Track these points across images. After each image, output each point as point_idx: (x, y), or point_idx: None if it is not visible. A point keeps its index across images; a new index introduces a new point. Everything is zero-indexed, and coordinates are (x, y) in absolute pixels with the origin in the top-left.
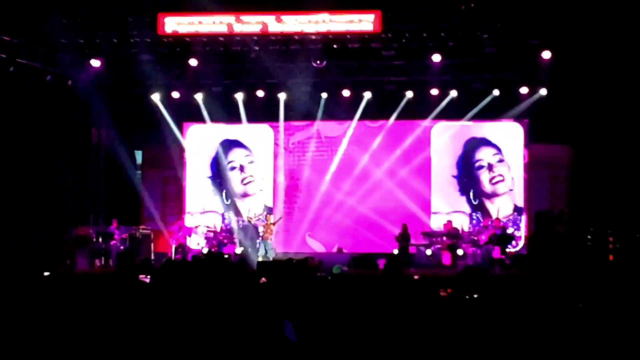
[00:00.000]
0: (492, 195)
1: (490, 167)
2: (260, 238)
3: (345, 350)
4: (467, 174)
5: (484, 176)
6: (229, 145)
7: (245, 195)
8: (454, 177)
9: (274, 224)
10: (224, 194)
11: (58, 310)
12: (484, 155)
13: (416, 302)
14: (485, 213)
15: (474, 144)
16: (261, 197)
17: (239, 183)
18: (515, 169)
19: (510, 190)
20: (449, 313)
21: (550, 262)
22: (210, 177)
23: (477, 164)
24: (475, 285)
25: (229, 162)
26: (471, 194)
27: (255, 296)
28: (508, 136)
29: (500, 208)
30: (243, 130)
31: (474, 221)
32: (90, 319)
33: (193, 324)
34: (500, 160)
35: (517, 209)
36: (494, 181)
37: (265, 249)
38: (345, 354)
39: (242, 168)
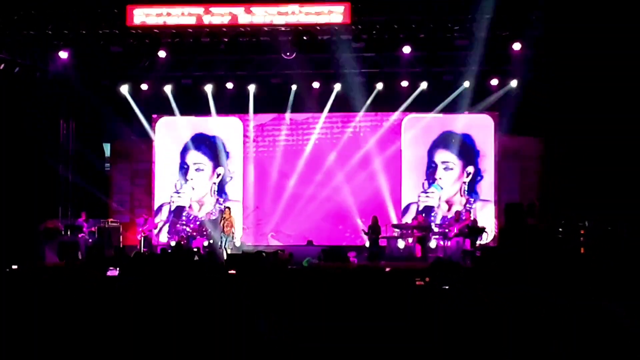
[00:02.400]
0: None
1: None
2: (224, 232)
3: (322, 341)
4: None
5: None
6: (199, 143)
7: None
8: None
9: (224, 219)
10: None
11: (27, 304)
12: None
13: (392, 293)
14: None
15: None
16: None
17: (204, 183)
18: (486, 160)
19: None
20: (424, 302)
21: (520, 255)
22: (179, 166)
23: (444, 165)
24: (446, 277)
25: (196, 164)
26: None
27: (225, 288)
28: (478, 128)
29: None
30: (213, 124)
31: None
32: (59, 312)
33: (163, 315)
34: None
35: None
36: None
37: (226, 242)
38: (322, 346)
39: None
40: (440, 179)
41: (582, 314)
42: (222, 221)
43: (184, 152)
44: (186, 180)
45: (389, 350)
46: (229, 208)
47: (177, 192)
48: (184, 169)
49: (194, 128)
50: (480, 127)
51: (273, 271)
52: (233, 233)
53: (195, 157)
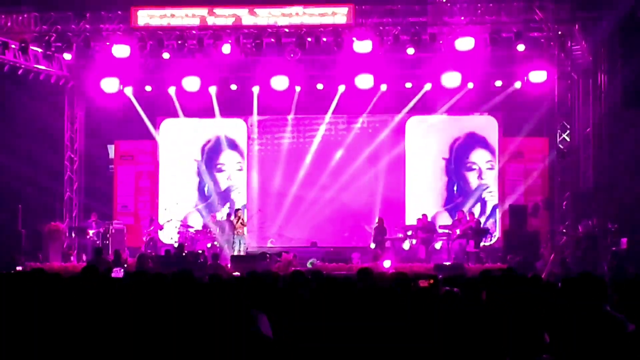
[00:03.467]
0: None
1: (480, 173)
2: (235, 234)
3: (326, 343)
4: (455, 169)
5: (472, 177)
6: (221, 144)
7: (225, 198)
8: (444, 159)
9: (239, 219)
10: (206, 188)
11: (30, 306)
12: (477, 158)
13: (394, 295)
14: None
15: (469, 143)
16: (238, 197)
17: (223, 185)
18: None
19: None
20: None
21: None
22: (198, 162)
23: (468, 165)
24: (451, 278)
25: (218, 164)
26: (455, 188)
27: (228, 290)
28: (483, 129)
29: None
30: (224, 126)
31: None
32: (64, 314)
33: (165, 318)
34: (490, 168)
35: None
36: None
37: (240, 243)
38: (326, 348)
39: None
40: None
41: (582, 314)
42: (237, 221)
43: (212, 153)
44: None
45: (389, 351)
46: (240, 210)
47: (182, 193)
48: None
49: (200, 130)
50: (484, 128)
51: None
52: (244, 234)
53: (220, 158)
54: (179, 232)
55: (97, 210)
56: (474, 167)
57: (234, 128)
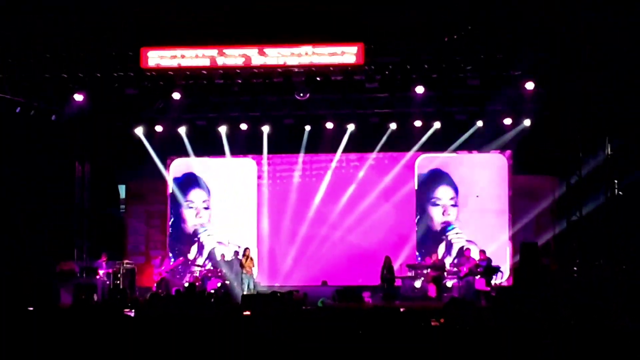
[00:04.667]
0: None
1: (444, 209)
2: (242, 273)
3: None
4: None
5: (436, 212)
6: (189, 182)
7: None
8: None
9: (248, 258)
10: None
11: (42, 345)
12: (442, 194)
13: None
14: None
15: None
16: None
17: (191, 221)
18: (500, 199)
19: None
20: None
21: (536, 294)
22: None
23: (432, 201)
24: (462, 316)
25: (187, 202)
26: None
27: (239, 329)
28: (491, 167)
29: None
30: (224, 165)
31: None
32: (75, 352)
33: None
34: (454, 205)
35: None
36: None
37: (249, 283)
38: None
39: (197, 212)
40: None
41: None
42: (246, 261)
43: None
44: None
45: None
46: (249, 248)
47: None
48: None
49: (207, 169)
50: (494, 166)
51: (287, 311)
52: (252, 273)
53: (189, 196)
54: (189, 272)
55: (107, 250)
56: (438, 202)
57: (244, 167)
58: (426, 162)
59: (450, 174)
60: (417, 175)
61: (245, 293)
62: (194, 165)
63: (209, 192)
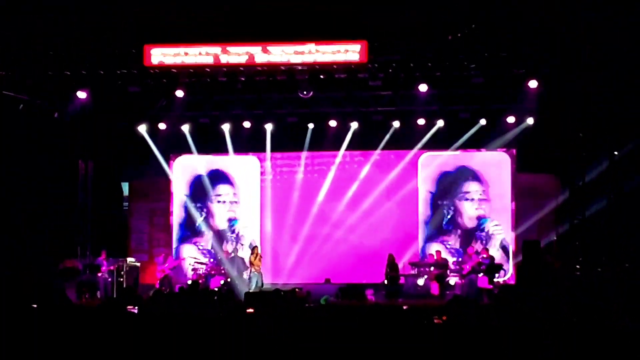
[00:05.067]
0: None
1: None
2: (250, 270)
3: None
4: (449, 200)
5: (469, 207)
6: (216, 177)
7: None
8: (430, 192)
9: (257, 256)
10: (200, 220)
11: (47, 342)
12: (472, 188)
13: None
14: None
15: (463, 174)
16: (246, 233)
17: (223, 218)
18: (503, 198)
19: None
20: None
21: (538, 292)
22: (187, 196)
23: (463, 195)
24: (464, 314)
25: (217, 195)
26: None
27: (242, 327)
28: (495, 165)
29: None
30: (230, 162)
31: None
32: (77, 350)
33: (179, 352)
34: (485, 199)
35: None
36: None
37: (257, 281)
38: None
39: (230, 203)
40: None
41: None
42: (255, 258)
43: (196, 182)
44: (199, 209)
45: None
46: (257, 247)
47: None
48: (192, 196)
49: (210, 166)
50: (497, 164)
51: (290, 309)
52: (261, 271)
53: (217, 190)
54: (192, 269)
55: (111, 247)
56: (468, 197)
57: (247, 165)
58: (430, 160)
59: (474, 169)
60: (418, 172)
61: (253, 290)
62: (217, 162)
63: (236, 186)
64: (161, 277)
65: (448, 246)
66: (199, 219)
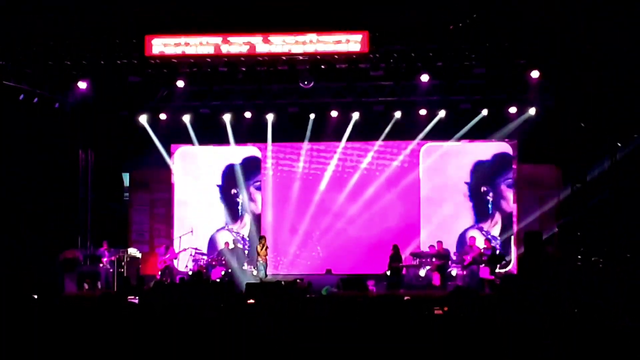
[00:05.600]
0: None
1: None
2: (256, 259)
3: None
4: (493, 190)
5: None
6: (251, 165)
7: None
8: (466, 183)
9: (264, 246)
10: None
11: (47, 333)
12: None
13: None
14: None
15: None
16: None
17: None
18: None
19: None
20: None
21: (539, 284)
22: (220, 186)
23: (507, 183)
24: (465, 305)
25: (256, 182)
26: (490, 207)
27: (243, 317)
28: (497, 156)
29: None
30: (232, 152)
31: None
32: (78, 340)
33: (180, 343)
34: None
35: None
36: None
37: (261, 270)
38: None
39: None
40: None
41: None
42: (261, 248)
43: (228, 171)
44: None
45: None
46: (264, 237)
47: (196, 221)
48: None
49: (214, 157)
50: (498, 155)
51: (291, 299)
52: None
53: (257, 176)
54: (193, 260)
55: (111, 238)
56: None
57: (248, 155)
58: (432, 150)
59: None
60: (420, 162)
61: (260, 280)
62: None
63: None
64: (162, 268)
65: (484, 233)
66: (244, 201)
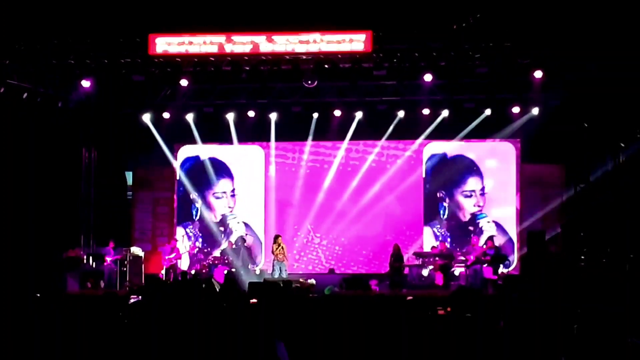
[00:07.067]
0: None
1: (477, 200)
2: (274, 259)
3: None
4: (449, 195)
5: (468, 204)
6: (217, 169)
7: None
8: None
9: (279, 246)
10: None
11: (49, 331)
12: (473, 185)
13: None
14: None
15: (463, 167)
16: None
17: (220, 211)
18: (508, 188)
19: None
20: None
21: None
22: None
23: (464, 193)
24: (468, 305)
25: (215, 192)
26: (445, 212)
27: (246, 316)
28: (500, 155)
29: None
30: (233, 152)
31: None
32: (82, 338)
33: (185, 342)
34: (482, 194)
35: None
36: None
37: (280, 269)
38: None
39: (231, 196)
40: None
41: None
42: (276, 248)
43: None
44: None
45: None
46: (280, 236)
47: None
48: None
49: (211, 154)
50: (502, 154)
51: (294, 299)
52: (286, 260)
53: (218, 186)
54: (197, 259)
55: (114, 237)
56: (468, 193)
57: (251, 154)
58: (435, 149)
59: (475, 161)
60: (423, 162)
61: (274, 280)
62: (214, 152)
63: (233, 178)
64: (167, 267)
65: (435, 230)
66: (198, 205)
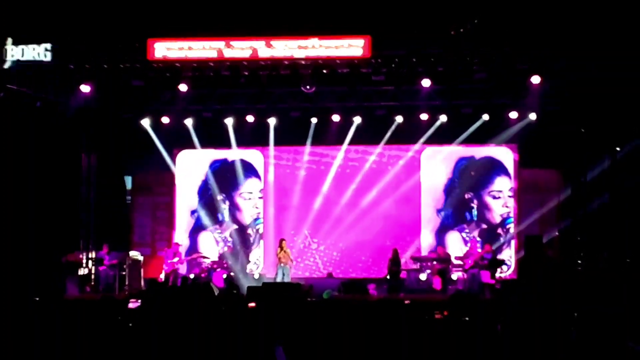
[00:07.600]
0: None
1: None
2: (278, 263)
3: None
4: (477, 196)
5: (496, 205)
6: (245, 171)
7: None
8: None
9: (283, 249)
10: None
11: (48, 334)
12: (501, 186)
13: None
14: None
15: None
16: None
17: (249, 212)
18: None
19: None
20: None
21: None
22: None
23: (492, 193)
24: (466, 309)
25: (243, 192)
26: (474, 214)
27: (244, 320)
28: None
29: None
30: (235, 156)
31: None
32: (81, 342)
33: (184, 346)
34: (511, 196)
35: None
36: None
37: (284, 274)
38: None
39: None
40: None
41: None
42: (280, 251)
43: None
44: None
45: None
46: (284, 240)
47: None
48: (203, 195)
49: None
50: (499, 159)
51: (292, 303)
52: (291, 263)
53: (246, 186)
54: (196, 264)
55: (113, 241)
56: (498, 195)
57: (250, 159)
58: (433, 154)
59: (503, 162)
60: (421, 167)
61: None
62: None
63: (260, 178)
64: (167, 272)
65: (465, 235)
66: (224, 209)
